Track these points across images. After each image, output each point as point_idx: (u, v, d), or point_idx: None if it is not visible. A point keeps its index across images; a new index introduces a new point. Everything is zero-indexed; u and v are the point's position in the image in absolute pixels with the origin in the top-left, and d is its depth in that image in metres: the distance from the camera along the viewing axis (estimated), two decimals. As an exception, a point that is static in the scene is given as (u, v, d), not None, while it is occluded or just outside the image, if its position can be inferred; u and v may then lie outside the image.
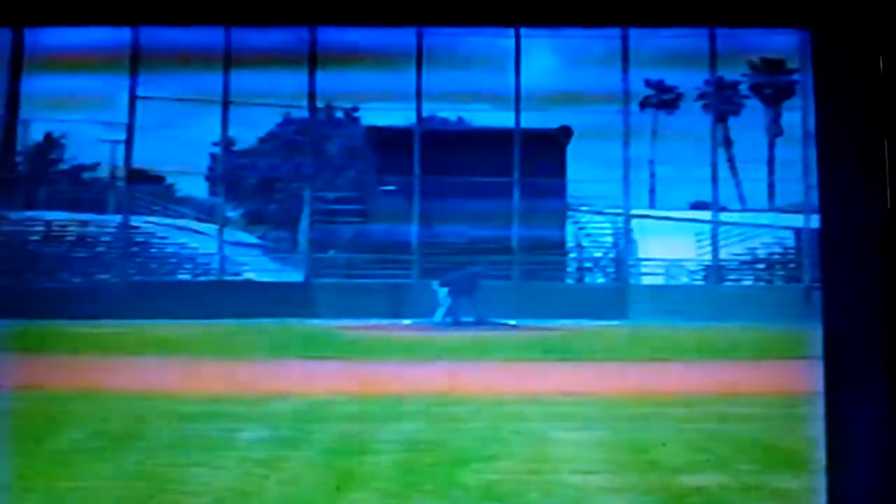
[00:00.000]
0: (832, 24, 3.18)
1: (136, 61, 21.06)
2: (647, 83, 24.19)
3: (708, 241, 22.61)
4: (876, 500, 3.28)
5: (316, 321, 18.68)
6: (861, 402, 3.30)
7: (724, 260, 22.53)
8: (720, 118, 23.62)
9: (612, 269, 22.94)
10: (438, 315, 19.32)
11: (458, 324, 18.97)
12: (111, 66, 20.39)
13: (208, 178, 23.55)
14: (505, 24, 3.51)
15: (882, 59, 3.23)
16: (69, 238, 21.56)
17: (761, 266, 22.73)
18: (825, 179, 3.28)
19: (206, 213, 23.14)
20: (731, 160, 24.09)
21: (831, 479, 3.35)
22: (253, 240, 23.56)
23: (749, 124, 24.13)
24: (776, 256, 22.67)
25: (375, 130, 23.27)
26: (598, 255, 22.91)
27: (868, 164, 3.24)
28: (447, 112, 23.43)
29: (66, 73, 18.48)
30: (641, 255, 22.81)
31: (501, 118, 22.17)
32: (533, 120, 22.13)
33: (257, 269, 22.58)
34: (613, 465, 9.20)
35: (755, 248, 22.77)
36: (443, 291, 19.61)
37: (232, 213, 23.33)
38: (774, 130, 24.34)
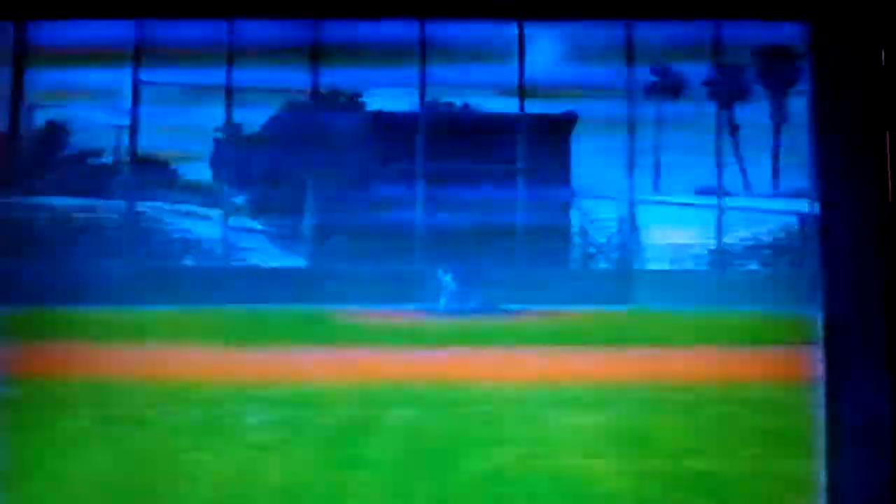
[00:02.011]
0: (833, 16, 3.19)
1: (141, 47, 21.05)
2: (652, 70, 24.14)
3: (713, 227, 22.58)
4: (874, 484, 3.31)
5: (319, 307, 18.70)
6: (860, 388, 3.32)
7: (729, 245, 22.50)
8: (725, 104, 23.57)
9: (616, 255, 22.92)
10: (442, 301, 19.34)
11: (462, 310, 18.98)
12: (116, 52, 20.38)
13: (213, 164, 23.55)
14: (508, 18, 3.53)
15: (884, 51, 3.23)
16: (73, 224, 21.58)
17: (766, 251, 22.71)
18: (826, 170, 3.30)
19: (210, 198, 23.14)
20: (736, 146, 24.05)
21: (830, 464, 3.37)
22: (257, 226, 23.57)
23: (755, 110, 24.08)
24: (781, 241, 22.65)
25: (379, 117, 23.25)
26: (603, 240, 22.89)
27: (869, 155, 3.25)
28: (451, 98, 23.40)
29: (70, 60, 18.49)
30: (646, 241, 22.79)
31: (506, 105, 22.14)
32: (537, 106, 22.10)
33: (262, 254, 22.60)
34: (618, 450, 9.23)
35: (760, 234, 22.75)
36: (447, 278, 19.63)
37: (237, 199, 23.33)
38: (780, 117, 24.29)
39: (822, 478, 3.44)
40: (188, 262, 22.22)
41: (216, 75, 21.63)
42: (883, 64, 3.22)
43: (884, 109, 3.22)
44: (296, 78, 22.20)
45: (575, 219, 23.22)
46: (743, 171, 24.34)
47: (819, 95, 3.26)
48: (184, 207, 23.12)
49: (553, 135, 22.36)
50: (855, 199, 3.28)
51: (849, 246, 3.29)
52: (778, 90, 24.19)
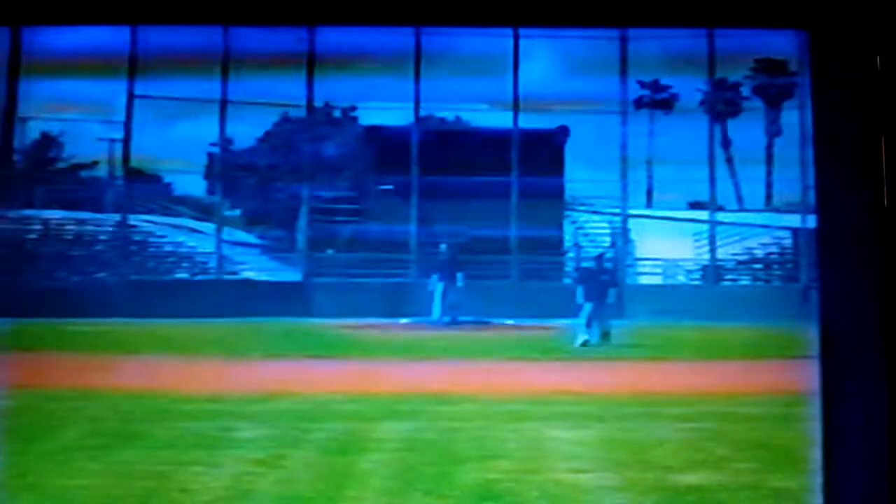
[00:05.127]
0: (830, 24, 3.19)
1: (135, 60, 21.06)
2: (645, 84, 24.20)
3: (705, 241, 22.62)
4: (871, 498, 3.29)
5: (314, 320, 18.69)
6: (857, 402, 3.31)
7: (722, 260, 22.54)
8: (719, 118, 23.62)
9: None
10: (436, 314, 19.32)
11: (455, 323, 18.97)
12: (109, 65, 20.38)
13: (206, 177, 23.55)
14: (503, 25, 3.52)
15: (879, 59, 3.24)
16: (67, 237, 21.56)
17: (758, 266, 22.75)
18: (822, 178, 3.29)
19: (203, 211, 23.13)
20: (729, 160, 24.11)
21: (827, 479, 3.36)
22: (251, 239, 23.56)
23: (748, 124, 24.14)
24: (773, 256, 22.69)
25: (373, 130, 23.27)
26: (596, 254, 22.90)
27: (865, 163, 3.25)
28: (445, 112, 23.44)
29: (64, 71, 18.48)
30: (639, 255, 22.82)
31: (499, 118, 22.18)
32: (531, 120, 22.14)
33: (255, 268, 22.58)
34: (611, 464, 9.22)
35: (752, 248, 22.79)
36: (440, 291, 19.61)
37: (230, 212, 23.33)
38: (773, 130, 24.35)
39: (819, 492, 3.43)
40: (181, 275, 22.19)
41: (210, 89, 21.64)
42: (878, 70, 3.23)
43: (879, 116, 3.22)
44: (290, 91, 22.22)
45: (568, 232, 23.24)
46: (736, 185, 24.39)
47: (815, 103, 3.26)
48: (177, 221, 23.11)
49: (546, 148, 22.39)
50: (850, 205, 3.28)
51: (845, 251, 3.29)
52: (771, 104, 24.26)
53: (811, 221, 3.39)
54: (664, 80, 24.31)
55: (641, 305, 19.93)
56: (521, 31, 20.42)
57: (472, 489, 8.34)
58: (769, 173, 24.59)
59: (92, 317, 17.00)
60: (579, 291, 17.90)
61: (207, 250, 22.16)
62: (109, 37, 18.21)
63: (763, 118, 24.48)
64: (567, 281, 22.36)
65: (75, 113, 21.55)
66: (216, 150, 22.89)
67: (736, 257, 22.66)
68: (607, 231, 23.20)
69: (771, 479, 8.35)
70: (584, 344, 16.77)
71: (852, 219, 3.27)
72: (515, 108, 21.99)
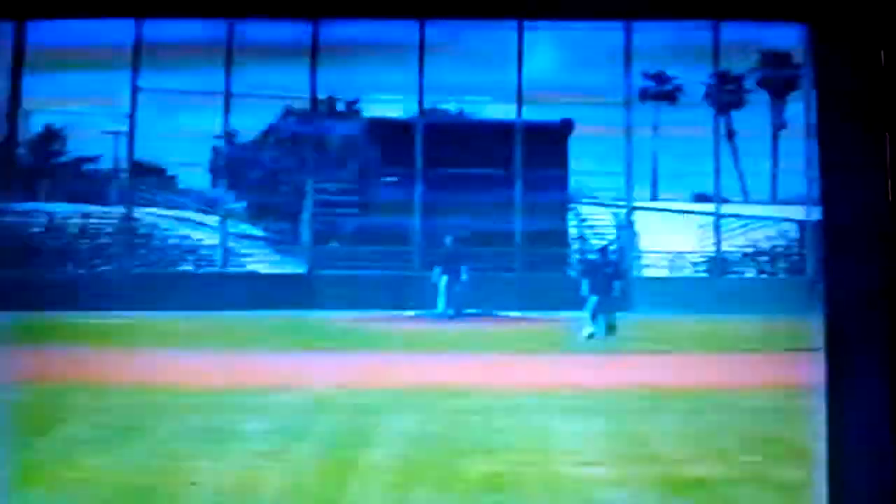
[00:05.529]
0: (833, 18, 3.18)
1: (139, 52, 21.04)
2: (650, 75, 24.15)
3: (710, 233, 22.59)
4: (876, 490, 3.29)
5: (318, 313, 18.69)
6: (862, 395, 3.31)
7: (727, 252, 22.50)
8: (724, 110, 23.58)
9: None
10: (440, 307, 19.31)
11: (460, 316, 18.96)
12: (113, 57, 20.36)
13: (211, 170, 23.53)
14: (508, 17, 3.52)
15: (883, 53, 3.23)
16: (71, 230, 21.57)
17: (764, 258, 22.71)
18: (827, 172, 3.29)
19: (208, 204, 23.12)
20: (734, 152, 24.06)
21: (832, 471, 3.35)
22: (255, 231, 23.55)
23: (753, 116, 24.09)
24: (779, 248, 22.66)
25: (377, 122, 23.24)
26: (601, 247, 22.89)
27: (869, 156, 3.25)
28: (449, 104, 23.40)
29: (68, 64, 18.47)
30: (644, 248, 22.79)
31: (503, 110, 22.14)
32: (535, 112, 22.10)
33: (260, 260, 22.58)
34: (616, 457, 9.23)
35: (758, 240, 22.75)
36: (444, 283, 19.60)
37: (234, 205, 23.32)
38: (779, 123, 24.29)
39: (823, 484, 3.43)
40: (186, 268, 22.19)
41: (214, 81, 21.61)
42: (882, 65, 3.21)
43: (883, 110, 3.21)
44: (294, 84, 22.20)
45: (573, 225, 23.22)
46: (741, 177, 24.34)
47: (819, 97, 3.25)
48: (182, 213, 23.10)
49: (550, 141, 22.36)
50: (855, 199, 3.27)
51: (850, 245, 3.28)
52: (776, 96, 24.21)
53: (817, 214, 3.37)
54: (669, 72, 24.26)
55: (646, 298, 19.91)
56: (526, 23, 20.39)
57: (478, 482, 8.35)
58: (774, 165, 24.54)
59: (96, 310, 17.01)
60: (584, 284, 17.89)
61: (212, 243, 22.17)
62: (113, 29, 18.19)
63: (768, 110, 24.43)
64: (572, 273, 22.34)
65: (79, 106, 21.53)
66: (220, 143, 22.88)
67: (741, 249, 22.63)
68: (612, 223, 23.17)
69: (776, 472, 8.35)
70: (590, 336, 16.77)
71: (857, 212, 3.26)
72: (519, 101, 21.96)
